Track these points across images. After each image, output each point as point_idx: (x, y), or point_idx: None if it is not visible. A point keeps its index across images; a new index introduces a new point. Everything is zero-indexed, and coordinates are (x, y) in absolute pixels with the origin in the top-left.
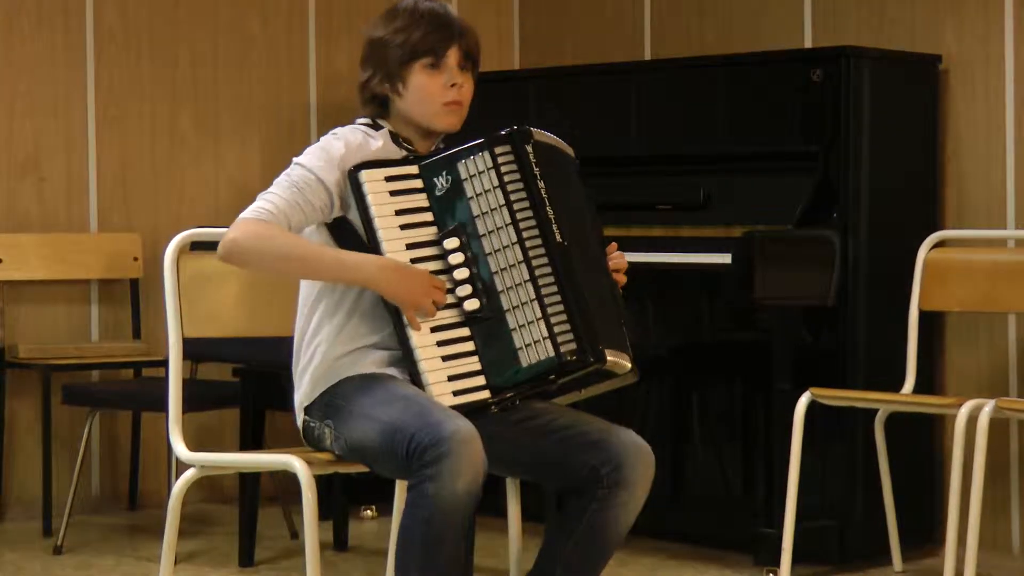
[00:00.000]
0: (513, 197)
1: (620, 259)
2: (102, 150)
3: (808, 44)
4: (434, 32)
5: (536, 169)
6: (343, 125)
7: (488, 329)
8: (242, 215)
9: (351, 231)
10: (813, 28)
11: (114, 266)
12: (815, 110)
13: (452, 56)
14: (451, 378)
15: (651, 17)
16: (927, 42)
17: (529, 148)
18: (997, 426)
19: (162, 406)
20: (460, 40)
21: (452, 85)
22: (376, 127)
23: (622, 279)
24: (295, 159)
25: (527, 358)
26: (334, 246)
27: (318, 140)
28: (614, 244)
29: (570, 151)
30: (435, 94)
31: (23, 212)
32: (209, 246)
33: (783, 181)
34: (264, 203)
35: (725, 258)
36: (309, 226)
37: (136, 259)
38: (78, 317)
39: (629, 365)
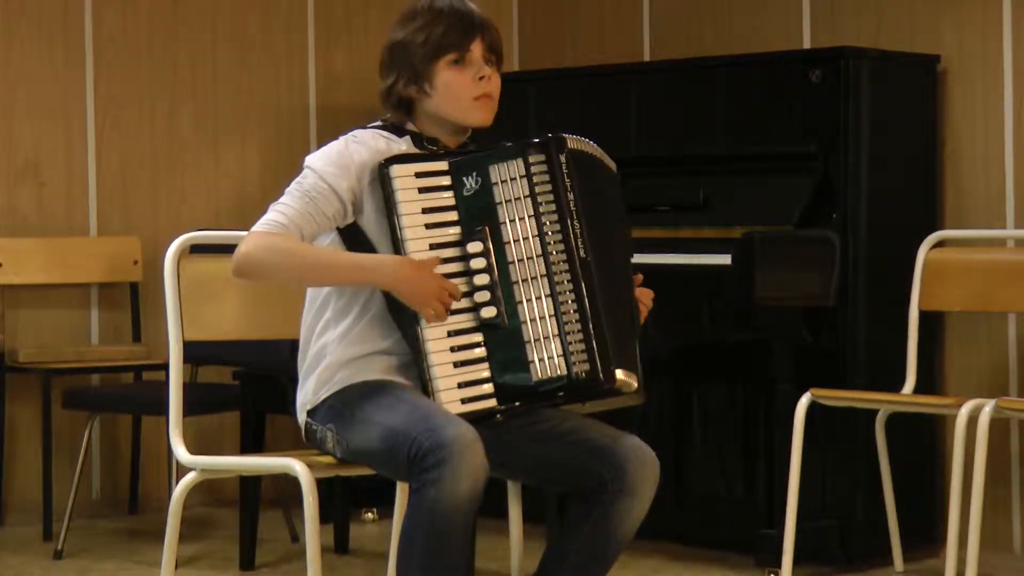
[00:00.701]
0: (542, 209)
1: (641, 293)
2: (101, 153)
3: (807, 45)
4: (455, 27)
5: (568, 180)
6: (361, 127)
7: (502, 338)
8: (253, 228)
9: (362, 237)
10: (812, 29)
11: (114, 269)
12: (814, 111)
13: (476, 49)
14: (461, 385)
15: (650, 18)
16: (926, 42)
17: (563, 158)
18: (997, 426)
19: (162, 410)
20: (483, 33)
21: (481, 78)
22: (398, 132)
23: (643, 311)
24: (308, 163)
25: (538, 373)
26: (345, 251)
27: (336, 140)
28: (640, 276)
29: (609, 161)
30: (464, 89)
31: (23, 216)
32: (209, 249)
33: (783, 182)
34: (275, 215)
35: (725, 259)
36: (321, 234)
37: (136, 262)
38: (78, 321)
39: (636, 385)
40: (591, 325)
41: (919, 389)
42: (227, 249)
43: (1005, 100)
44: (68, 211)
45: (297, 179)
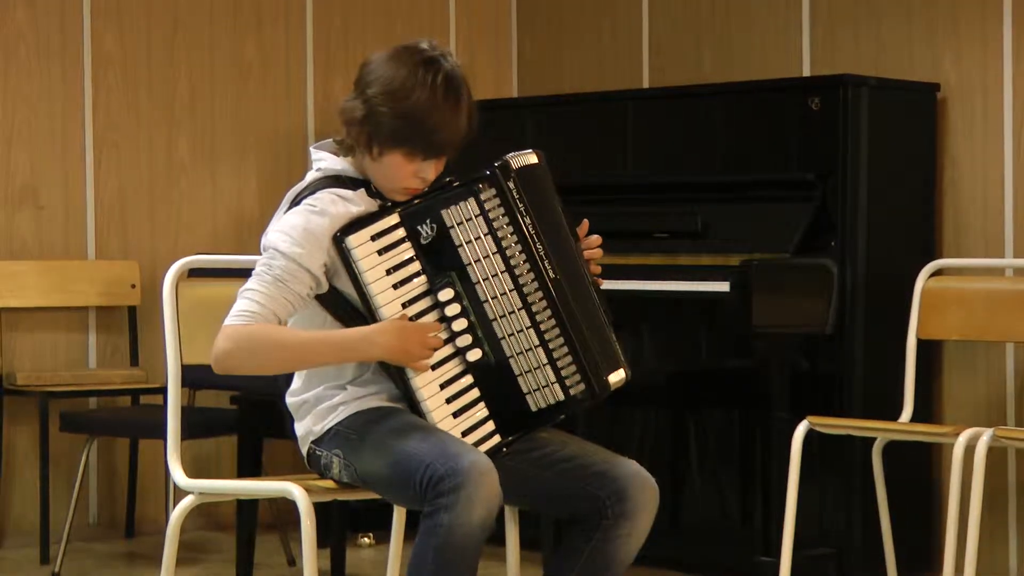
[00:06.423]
0: (504, 243)
1: (595, 243)
2: (100, 178)
3: (806, 72)
4: (425, 144)
5: (520, 206)
6: (311, 190)
7: (493, 376)
8: (226, 320)
9: (342, 299)
10: (811, 56)
11: (112, 293)
12: (813, 138)
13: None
14: (464, 433)
15: (649, 45)
16: (925, 70)
17: (511, 184)
18: (995, 455)
19: (160, 433)
20: (454, 150)
21: (421, 178)
22: (352, 184)
23: (596, 269)
24: (273, 244)
25: (536, 403)
26: (325, 314)
27: (292, 210)
28: (586, 223)
29: (536, 155)
30: (402, 178)
31: (21, 239)
32: (207, 273)
33: (781, 209)
34: (247, 303)
35: (723, 286)
36: (296, 313)
37: (134, 286)
38: (76, 344)
39: (626, 378)
40: (577, 346)
41: (916, 417)
42: (225, 273)
43: (1004, 129)
44: (66, 235)
45: (263, 260)
